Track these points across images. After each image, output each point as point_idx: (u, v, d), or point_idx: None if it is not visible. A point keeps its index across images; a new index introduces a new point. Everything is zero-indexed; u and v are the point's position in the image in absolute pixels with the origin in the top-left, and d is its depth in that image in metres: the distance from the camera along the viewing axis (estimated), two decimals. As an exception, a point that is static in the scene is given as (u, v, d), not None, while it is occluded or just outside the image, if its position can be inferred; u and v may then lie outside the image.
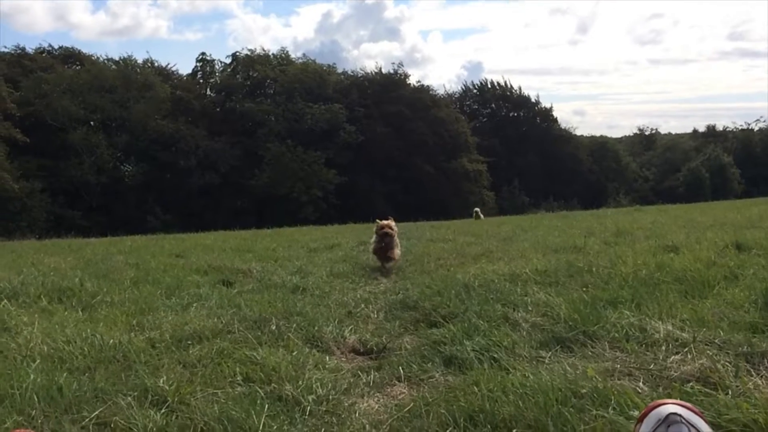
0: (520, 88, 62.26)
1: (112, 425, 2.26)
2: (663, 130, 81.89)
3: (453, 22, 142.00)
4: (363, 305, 4.38)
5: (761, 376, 2.39)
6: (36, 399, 2.44)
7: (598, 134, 69.83)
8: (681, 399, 2.16)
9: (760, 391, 2.19)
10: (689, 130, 76.00)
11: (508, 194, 52.53)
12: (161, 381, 2.66)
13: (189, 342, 3.36)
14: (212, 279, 5.76)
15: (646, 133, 77.71)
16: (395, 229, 6.42)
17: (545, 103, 62.96)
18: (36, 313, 4.29)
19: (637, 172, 65.19)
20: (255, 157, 42.74)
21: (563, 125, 63.29)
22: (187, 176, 41.10)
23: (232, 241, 10.84)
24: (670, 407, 1.29)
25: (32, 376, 2.65)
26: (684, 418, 1.27)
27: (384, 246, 6.22)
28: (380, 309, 4.28)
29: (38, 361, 2.95)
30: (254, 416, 2.24)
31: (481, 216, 18.77)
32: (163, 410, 2.39)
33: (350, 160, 44.42)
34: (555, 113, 63.51)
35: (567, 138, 61.55)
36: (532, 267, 5.18)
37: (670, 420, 1.27)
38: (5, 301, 4.66)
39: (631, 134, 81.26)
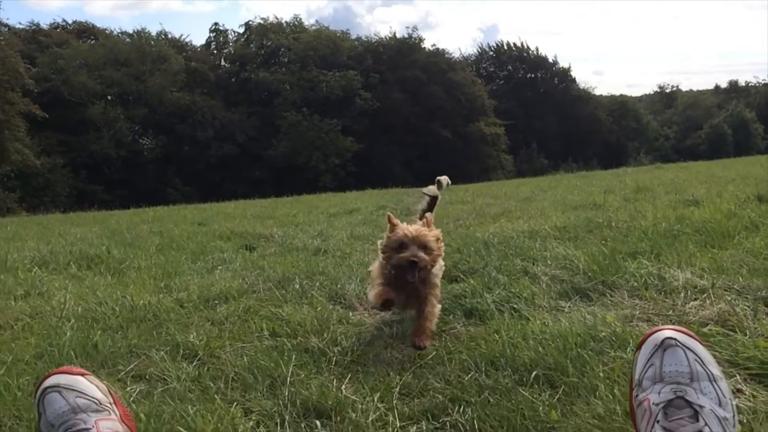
0: (537, 49, 61.47)
1: (147, 377, 2.36)
2: (684, 87, 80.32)
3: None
4: (384, 264, 4.44)
5: (780, 319, 2.41)
6: (73, 355, 2.55)
7: (617, 93, 68.76)
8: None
9: (778, 332, 2.22)
10: (711, 87, 74.45)
11: (526, 157, 52.18)
12: (191, 337, 2.76)
13: (216, 301, 3.45)
14: (235, 244, 5.86)
15: (667, 91, 76.29)
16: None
17: (563, 63, 61.97)
18: (66, 279, 4.41)
19: (658, 131, 64.28)
20: (272, 126, 42.82)
21: (582, 85, 62.41)
22: (205, 148, 41.33)
23: (252, 209, 10.96)
24: (666, 332, 1.33)
25: (68, 334, 2.75)
26: (680, 342, 1.30)
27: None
28: (401, 268, 4.33)
29: (72, 321, 3.05)
30: (282, 366, 2.31)
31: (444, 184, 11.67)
32: (194, 363, 2.48)
33: (367, 127, 44.31)
34: (573, 73, 62.53)
35: (586, 98, 60.74)
36: (552, 224, 5.20)
37: (665, 344, 1.30)
38: (36, 268, 4.80)
39: (652, 92, 79.86)
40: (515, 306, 2.91)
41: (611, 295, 2.93)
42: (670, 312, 2.62)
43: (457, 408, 1.96)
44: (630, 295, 2.91)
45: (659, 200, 6.54)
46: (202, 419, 1.90)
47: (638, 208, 5.65)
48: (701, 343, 1.33)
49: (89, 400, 1.41)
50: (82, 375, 1.48)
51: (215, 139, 41.72)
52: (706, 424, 1.17)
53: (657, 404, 1.23)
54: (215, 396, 2.12)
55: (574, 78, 62.27)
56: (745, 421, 1.61)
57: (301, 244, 5.58)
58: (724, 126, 57.22)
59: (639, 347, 1.35)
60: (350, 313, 3.25)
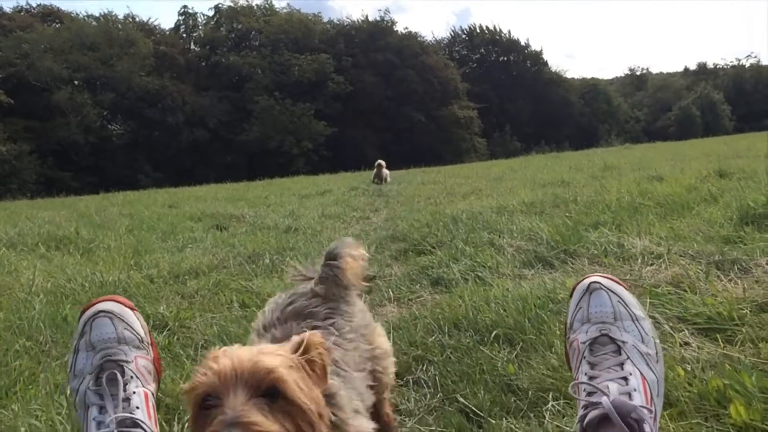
0: (509, 32, 61.52)
1: (117, 347, 2.39)
2: (654, 70, 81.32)
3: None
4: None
5: (730, 280, 2.52)
6: (42, 326, 2.56)
7: (589, 76, 69.31)
8: (652, 300, 2.31)
9: (727, 291, 2.33)
10: (681, 69, 75.50)
11: (500, 140, 52.47)
12: (161, 309, 2.79)
13: (186, 277, 3.49)
14: (206, 225, 5.87)
15: (638, 74, 77.16)
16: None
17: (535, 47, 62.26)
18: (35, 259, 4.39)
19: (628, 113, 65.09)
20: (243, 111, 42.36)
21: (554, 68, 62.76)
22: (176, 133, 40.76)
23: (224, 192, 10.92)
24: (592, 278, 1.42)
25: (37, 308, 2.77)
26: (603, 285, 1.39)
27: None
28: (371, 243, 4.40)
29: (41, 296, 3.06)
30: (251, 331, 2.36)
31: (385, 172, 11.07)
32: (164, 333, 2.52)
33: (339, 111, 44.11)
34: (545, 56, 62.89)
35: (558, 81, 61.12)
36: (519, 200, 5.30)
37: (591, 288, 1.39)
38: (3, 249, 4.76)
39: (623, 75, 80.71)
40: (480, 274, 3.00)
41: (572, 263, 3.03)
42: (628, 276, 2.72)
43: (420, 366, 2.04)
44: (590, 262, 3.01)
45: (625, 177, 6.69)
46: (172, 382, 1.95)
47: (603, 185, 5.78)
48: (625, 288, 1.42)
49: (134, 334, 1.42)
50: (132, 309, 1.48)
51: (186, 124, 41.16)
52: (628, 357, 1.26)
53: (584, 342, 1.32)
54: (185, 361, 2.16)
55: (546, 61, 62.65)
56: (690, 369, 1.72)
57: (272, 223, 5.61)
58: (693, 108, 58.16)
59: (571, 294, 1.44)
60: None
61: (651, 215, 3.85)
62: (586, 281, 1.42)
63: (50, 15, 45.45)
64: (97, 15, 45.55)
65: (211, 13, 50.20)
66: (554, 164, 10.83)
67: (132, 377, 1.35)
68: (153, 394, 1.40)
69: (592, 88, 63.63)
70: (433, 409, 1.79)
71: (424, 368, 2.01)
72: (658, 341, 1.35)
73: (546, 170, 9.36)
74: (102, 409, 1.28)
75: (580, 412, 1.20)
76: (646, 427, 1.11)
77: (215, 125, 41.59)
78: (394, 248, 4.09)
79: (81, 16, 45.93)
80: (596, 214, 4.05)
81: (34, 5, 46.30)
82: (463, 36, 62.21)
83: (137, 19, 46.97)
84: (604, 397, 1.15)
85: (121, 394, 1.30)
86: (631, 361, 1.26)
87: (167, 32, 49.01)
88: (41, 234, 5.46)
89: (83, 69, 39.75)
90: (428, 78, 47.40)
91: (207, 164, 39.63)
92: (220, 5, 49.72)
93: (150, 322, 2.64)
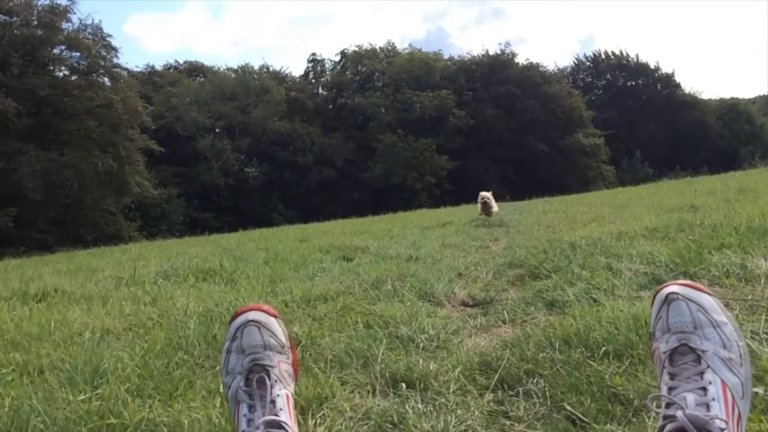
0: (637, 56, 59.24)
1: (259, 360, 2.70)
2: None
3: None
4: (473, 268, 4.65)
5: None
6: (197, 343, 2.94)
7: (727, 96, 64.94)
8: (769, 318, 2.28)
9: None
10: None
11: (629, 167, 50.24)
12: (295, 329, 3.09)
13: (316, 302, 3.79)
14: (333, 256, 6.25)
15: (784, 90, 71.16)
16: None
17: (666, 69, 59.44)
18: (187, 288, 4.93)
19: (775, 133, 60.12)
20: (368, 149, 43.87)
21: (687, 90, 59.49)
22: (306, 173, 42.93)
23: (350, 226, 11.43)
24: (670, 287, 1.43)
25: (192, 327, 3.16)
26: (681, 295, 1.39)
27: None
28: (489, 270, 4.52)
29: (195, 318, 3.48)
30: (375, 348, 2.58)
31: (493, 205, 9.38)
32: (298, 348, 2.80)
33: (461, 145, 44.45)
34: (677, 78, 59.79)
35: (692, 103, 57.81)
36: (642, 226, 5.21)
37: (669, 299, 1.40)
38: (160, 280, 5.38)
39: (766, 93, 74.84)
40: (594, 296, 3.05)
41: (691, 285, 3.00)
42: (749, 297, 2.68)
43: (531, 379, 2.16)
44: (710, 283, 2.97)
45: (761, 199, 6.34)
46: (306, 389, 2.20)
47: (735, 208, 5.54)
48: (707, 294, 1.42)
49: (277, 341, 1.63)
50: (275, 317, 1.69)
51: (315, 164, 43.28)
52: (708, 366, 1.29)
53: (665, 352, 1.36)
54: (317, 372, 2.42)
55: (679, 83, 59.58)
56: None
57: (394, 253, 5.87)
58: None
59: (652, 304, 1.50)
60: (438, 309, 3.49)
61: (783, 237, 3.70)
62: (665, 291, 1.45)
63: (195, 70, 49.93)
64: (236, 67, 49.42)
65: (337, 59, 52.80)
66: (685, 189, 10.34)
67: (276, 381, 1.56)
68: (292, 395, 1.63)
69: (731, 108, 59.52)
70: (542, 416, 1.90)
71: (534, 381, 2.13)
72: (742, 343, 1.37)
73: (675, 195, 8.99)
74: (251, 408, 1.51)
75: (660, 423, 1.27)
76: None
77: (342, 164, 43.36)
78: (511, 274, 4.20)
79: (222, 69, 50.06)
80: (722, 236, 3.93)
81: (182, 62, 51.16)
82: (588, 63, 60.71)
83: (271, 69, 50.43)
84: (679, 411, 1.21)
85: (268, 397, 1.51)
86: (712, 369, 1.29)
87: (297, 79, 52.11)
88: (191, 267, 6.07)
89: (223, 117, 43.14)
90: (551, 107, 46.66)
91: (335, 201, 41.28)
92: (345, 50, 52.23)
93: (297, 355, 2.94)
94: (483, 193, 9.56)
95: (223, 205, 40.77)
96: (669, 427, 1.22)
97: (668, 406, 1.27)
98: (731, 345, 1.36)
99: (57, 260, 11.49)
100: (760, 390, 1.72)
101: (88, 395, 2.20)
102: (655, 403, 1.33)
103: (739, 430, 1.27)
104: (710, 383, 1.28)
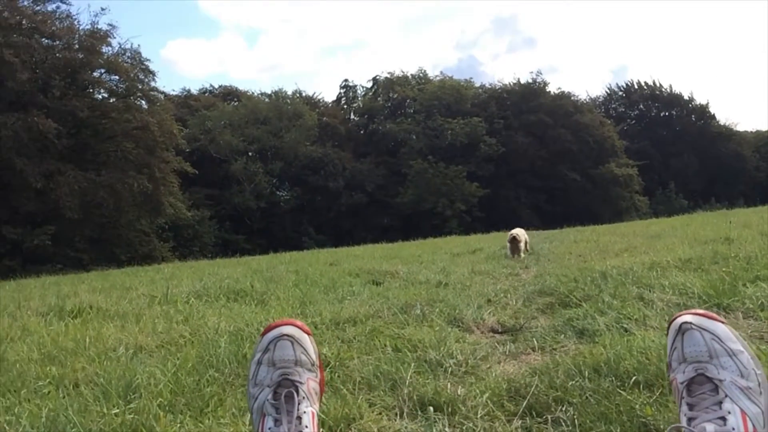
0: (670, 86, 58.74)
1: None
2: None
3: (593, 27, 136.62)
4: (502, 295, 4.64)
5: None
6: (227, 362, 2.98)
7: (764, 128, 63.86)
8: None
9: None
10: None
11: (663, 198, 49.52)
12: (324, 350, 3.11)
13: (345, 324, 3.82)
14: (363, 280, 6.28)
15: (824, 122, 69.71)
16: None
17: (700, 100, 58.76)
18: (218, 308, 5.00)
19: (814, 166, 58.77)
20: (399, 175, 44.06)
21: (723, 121, 58.66)
22: (337, 197, 43.25)
23: (380, 251, 11.47)
24: (683, 317, 1.43)
25: (223, 346, 3.22)
26: (695, 325, 1.39)
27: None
28: (519, 297, 4.50)
29: (225, 337, 3.53)
30: (403, 371, 2.60)
31: (522, 245, 7.99)
32: (327, 370, 2.82)
33: (492, 173, 44.36)
34: (712, 109, 59.00)
35: (727, 135, 56.96)
36: (675, 256, 5.14)
37: (683, 329, 1.41)
38: (192, 299, 5.47)
39: (806, 124, 73.33)
40: (625, 326, 3.02)
41: (725, 316, 2.95)
42: (785, 331, 2.63)
43: (560, 407, 2.15)
44: (745, 316, 2.93)
45: (800, 233, 6.21)
46: (334, 409, 2.22)
47: (772, 240, 5.44)
48: (720, 322, 1.42)
49: (308, 358, 1.65)
50: (308, 335, 1.70)
51: (345, 189, 43.60)
52: (726, 395, 1.29)
53: (682, 383, 1.36)
54: (345, 393, 2.44)
55: (714, 114, 58.82)
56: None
57: (423, 278, 5.88)
58: None
59: (666, 333, 1.49)
60: (467, 335, 3.48)
61: (821, 270, 3.62)
62: (678, 321, 1.46)
63: (230, 94, 50.96)
64: (269, 92, 50.30)
65: (369, 85, 53.44)
66: (720, 221, 10.17)
67: (304, 397, 1.58)
68: (317, 414, 1.65)
69: (768, 141, 58.46)
70: (570, 444, 1.89)
71: (563, 408, 2.12)
72: (760, 371, 1.36)
73: (710, 227, 8.85)
74: (277, 422, 1.51)
75: None
76: None
77: (373, 189, 43.60)
78: (540, 302, 4.18)
79: (256, 94, 51.02)
80: (757, 269, 3.87)
81: (217, 86, 52.28)
82: (620, 93, 60.38)
83: (303, 94, 51.26)
84: None
85: (295, 412, 1.52)
86: (730, 398, 1.29)
87: (330, 104, 52.81)
88: (222, 287, 6.16)
89: (256, 141, 43.83)
90: (583, 137, 46.40)
91: (365, 226, 41.43)
92: (377, 77, 52.83)
93: (324, 373, 2.97)
94: (514, 231, 8.12)
95: (255, 228, 41.21)
96: None
97: None
98: (749, 373, 1.35)
99: (92, 278, 11.74)
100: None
101: (121, 409, 2.26)
102: None
103: None
104: (729, 413, 1.27)
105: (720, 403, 1.30)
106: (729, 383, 1.32)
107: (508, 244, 8.04)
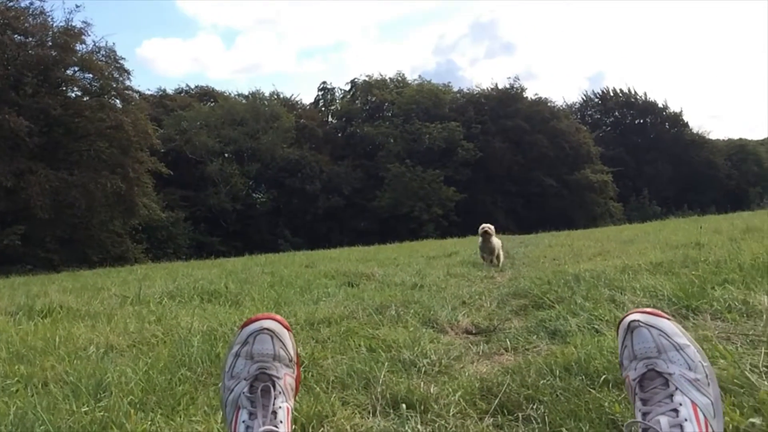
0: (645, 94, 59.67)
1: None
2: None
3: (570, 33, 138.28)
4: (477, 297, 4.67)
5: None
6: (200, 361, 2.96)
7: (736, 137, 65.16)
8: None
9: None
10: None
11: (636, 204, 50.23)
12: (298, 349, 3.10)
13: (320, 325, 3.81)
14: (338, 282, 6.27)
15: (793, 132, 71.40)
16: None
17: (674, 108, 59.79)
18: (191, 308, 4.96)
19: (783, 175, 60.11)
20: (376, 178, 44.10)
21: (696, 129, 59.76)
22: (313, 200, 43.12)
23: (356, 254, 11.47)
24: (631, 316, 1.48)
25: (196, 345, 3.19)
26: (642, 322, 1.45)
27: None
28: (493, 300, 4.54)
29: (198, 336, 3.50)
30: (376, 370, 2.60)
31: (496, 243, 7.52)
32: (301, 368, 2.82)
33: (469, 177, 44.60)
34: (686, 118, 60.08)
35: (700, 143, 58.03)
36: (647, 260, 5.22)
37: (631, 327, 1.46)
38: (166, 299, 5.42)
39: (775, 134, 75.05)
40: (597, 327, 3.06)
41: (693, 318, 3.01)
42: (751, 332, 2.68)
43: (531, 405, 2.17)
44: (712, 318, 2.98)
45: (767, 239, 6.34)
46: (307, 407, 2.22)
47: (740, 246, 5.55)
48: (666, 319, 1.47)
49: (286, 353, 1.64)
50: (288, 330, 1.69)
51: (322, 192, 43.49)
52: (677, 388, 1.33)
53: (634, 379, 1.40)
54: (319, 392, 2.44)
55: (687, 122, 59.90)
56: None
57: (399, 280, 5.90)
58: None
59: (617, 333, 1.53)
60: (441, 336, 3.50)
61: (787, 274, 3.70)
62: (627, 320, 1.50)
63: (206, 95, 50.55)
64: (247, 93, 50.00)
65: (347, 88, 53.42)
66: (692, 227, 10.35)
67: (281, 392, 1.57)
68: (291, 410, 1.65)
69: (739, 149, 59.70)
70: (541, 441, 1.92)
71: (534, 406, 2.14)
72: (706, 363, 1.42)
73: (681, 232, 9.00)
74: (252, 415, 1.50)
75: None
76: None
77: (350, 192, 43.56)
78: (514, 304, 4.22)
79: (233, 95, 50.67)
80: (726, 272, 3.94)
81: (193, 87, 51.84)
82: (596, 100, 61.19)
83: (281, 96, 51.04)
84: None
85: (271, 407, 1.51)
86: (681, 391, 1.33)
87: (307, 106, 52.65)
88: (196, 288, 6.11)
89: (233, 142, 43.52)
90: (559, 143, 46.91)
91: (341, 229, 41.39)
92: (356, 80, 52.85)
93: (300, 370, 2.96)
94: (486, 226, 7.50)
95: (230, 230, 40.89)
96: None
97: (645, 431, 1.30)
98: (696, 366, 1.40)
99: (63, 279, 11.55)
100: (757, 420, 1.73)
101: (91, 407, 2.23)
102: (631, 430, 1.36)
103: None
104: (681, 404, 1.31)
105: (671, 396, 1.33)
106: (678, 376, 1.36)
107: (480, 239, 7.44)
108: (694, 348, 1.44)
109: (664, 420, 1.28)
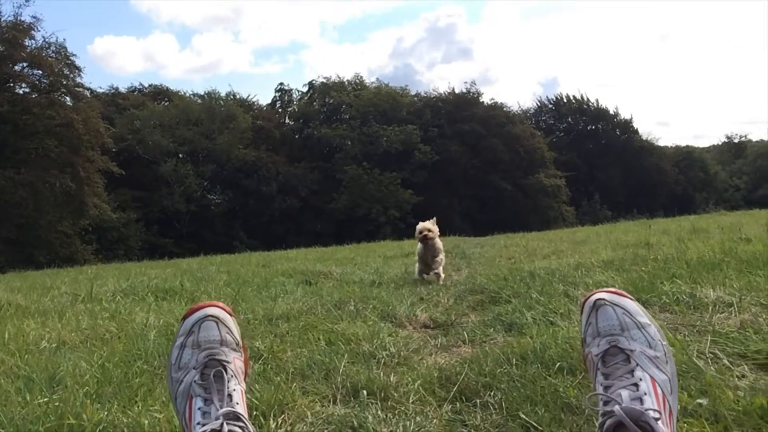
0: (597, 101, 61.19)
1: (219, 371, 2.71)
2: (754, 137, 78.03)
3: (526, 39, 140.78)
4: (434, 293, 4.73)
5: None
6: (156, 354, 2.92)
7: (683, 144, 67.46)
8: (715, 339, 2.40)
9: (794, 335, 2.38)
10: (783, 136, 72.14)
11: (588, 208, 51.43)
12: (257, 344, 3.10)
13: (278, 320, 3.80)
14: (296, 280, 6.24)
15: (735, 141, 74.28)
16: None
17: (625, 115, 61.46)
18: (146, 306, 4.87)
19: (727, 181, 62.45)
20: (333, 180, 44.00)
21: (645, 136, 61.57)
22: (270, 201, 42.74)
23: (313, 254, 11.43)
24: (597, 295, 1.53)
25: (152, 339, 3.15)
26: (607, 301, 1.50)
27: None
28: (450, 296, 4.60)
29: (154, 331, 3.45)
30: (337, 361, 2.62)
31: (437, 245, 5.77)
32: (259, 362, 2.81)
33: (426, 180, 44.91)
34: (635, 125, 61.84)
35: (649, 149, 59.82)
36: (599, 258, 5.37)
37: (597, 305, 1.51)
38: (119, 297, 5.31)
39: (720, 143, 77.96)
40: (551, 319, 3.14)
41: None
42: (698, 323, 2.80)
43: (488, 392, 2.22)
44: (661, 310, 3.10)
45: (712, 239, 6.58)
46: (265, 393, 2.22)
47: (687, 245, 5.75)
48: (630, 299, 1.54)
49: (233, 338, 1.65)
50: (231, 316, 1.70)
51: (279, 193, 43.15)
52: (637, 364, 1.40)
53: (597, 355, 1.46)
54: (279, 383, 2.44)
55: (637, 129, 61.67)
56: (742, 394, 1.83)
57: (357, 278, 5.91)
58: (799, 175, 55.24)
59: (581, 312, 1.59)
60: (400, 330, 3.53)
61: (730, 270, 3.86)
62: (592, 298, 1.55)
63: (160, 94, 49.58)
64: (202, 93, 49.20)
65: (305, 89, 53.14)
66: (642, 229, 10.66)
67: (233, 376, 1.57)
68: (245, 392, 1.66)
69: (686, 156, 61.79)
70: (498, 425, 1.96)
71: (492, 393, 2.19)
72: (665, 343, 1.48)
73: (632, 234, 9.27)
74: (207, 401, 1.50)
75: (599, 420, 1.35)
76: (658, 427, 1.25)
77: (306, 194, 43.35)
78: (471, 299, 4.29)
79: (188, 94, 49.78)
80: (673, 269, 4.09)
81: (147, 85, 50.77)
82: (550, 105, 62.42)
83: (238, 96, 50.37)
84: (616, 406, 1.30)
85: (226, 390, 1.52)
86: (641, 367, 1.40)
87: (264, 107, 52.16)
88: (150, 286, 6.00)
89: (188, 143, 42.79)
90: (514, 147, 47.66)
91: (298, 231, 41.10)
92: (313, 81, 52.64)
93: (247, 353, 2.95)
94: (422, 225, 5.91)
95: (184, 232, 40.19)
96: (609, 422, 1.31)
97: (606, 403, 1.36)
98: (656, 344, 1.47)
99: (9, 279, 11.18)
100: (703, 401, 1.82)
101: (45, 399, 2.18)
102: (593, 402, 1.41)
103: (671, 424, 1.35)
104: (641, 380, 1.38)
105: (632, 371, 1.40)
106: (639, 353, 1.42)
107: (419, 246, 5.90)
108: (654, 327, 1.51)
109: (625, 393, 1.34)
